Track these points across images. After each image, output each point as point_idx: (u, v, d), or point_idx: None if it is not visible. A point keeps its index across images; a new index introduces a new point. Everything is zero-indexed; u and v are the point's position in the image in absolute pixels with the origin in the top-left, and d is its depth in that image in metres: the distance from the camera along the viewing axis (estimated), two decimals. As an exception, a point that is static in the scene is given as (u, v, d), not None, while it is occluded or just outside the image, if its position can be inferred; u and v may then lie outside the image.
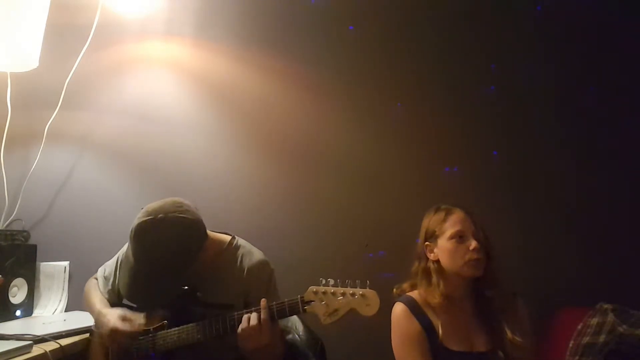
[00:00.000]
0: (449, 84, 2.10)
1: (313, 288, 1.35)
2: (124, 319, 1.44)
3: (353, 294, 1.31)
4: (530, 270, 1.92)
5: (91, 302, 1.59)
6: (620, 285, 1.81)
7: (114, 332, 1.42)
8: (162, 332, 1.46)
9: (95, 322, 1.54)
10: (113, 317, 1.45)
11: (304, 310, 1.35)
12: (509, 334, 1.40)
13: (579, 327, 1.67)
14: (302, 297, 1.35)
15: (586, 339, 1.63)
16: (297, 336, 1.57)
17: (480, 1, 2.13)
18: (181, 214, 1.41)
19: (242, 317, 1.37)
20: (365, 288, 1.32)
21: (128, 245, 1.45)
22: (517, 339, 1.39)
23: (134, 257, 1.41)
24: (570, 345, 1.66)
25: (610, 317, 1.62)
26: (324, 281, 1.35)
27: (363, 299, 1.31)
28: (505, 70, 2.08)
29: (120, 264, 1.59)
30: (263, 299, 1.38)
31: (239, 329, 1.35)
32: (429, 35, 2.13)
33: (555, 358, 1.70)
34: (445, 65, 2.10)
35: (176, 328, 1.44)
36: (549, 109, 2.06)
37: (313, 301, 1.34)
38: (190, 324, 1.43)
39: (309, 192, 2.09)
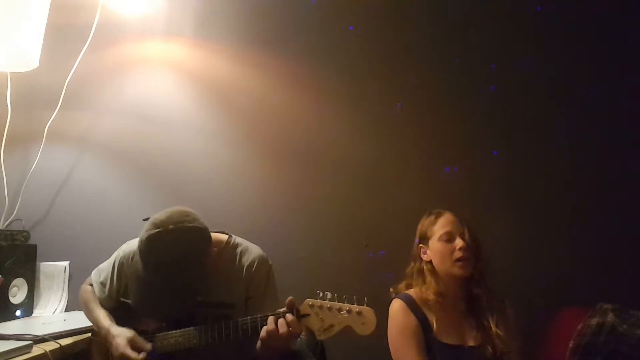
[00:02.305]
0: (449, 84, 2.10)
1: (309, 301, 1.32)
2: (133, 344, 1.41)
3: (349, 311, 1.28)
4: (530, 270, 1.92)
5: (95, 315, 1.56)
6: (620, 285, 1.81)
7: (123, 357, 1.40)
8: (163, 334, 1.45)
9: (103, 338, 1.49)
10: (123, 341, 1.42)
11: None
12: (493, 328, 1.51)
13: (579, 327, 1.67)
14: (298, 310, 1.32)
15: (586, 339, 1.63)
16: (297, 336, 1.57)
17: (481, 1, 2.14)
18: (190, 223, 1.39)
19: (244, 324, 1.36)
20: (363, 305, 1.28)
21: (132, 258, 1.43)
22: (500, 332, 1.50)
23: (144, 269, 1.39)
24: (570, 345, 1.65)
25: (610, 317, 1.62)
26: (320, 294, 1.32)
27: (359, 316, 1.27)
28: (505, 70, 2.08)
29: (117, 270, 1.57)
30: (290, 298, 1.33)
31: (265, 335, 1.32)
32: (429, 35, 2.13)
33: (555, 358, 1.70)
34: (446, 65, 2.11)
35: (179, 330, 1.43)
36: (549, 108, 2.06)
37: (309, 315, 1.31)
38: (193, 327, 1.41)
39: (309, 192, 2.09)
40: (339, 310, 1.29)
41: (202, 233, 1.42)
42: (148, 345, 1.42)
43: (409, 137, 2.09)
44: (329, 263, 2.01)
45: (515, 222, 1.98)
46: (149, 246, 1.37)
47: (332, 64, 2.15)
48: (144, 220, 1.44)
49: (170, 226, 1.36)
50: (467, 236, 1.55)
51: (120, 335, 1.43)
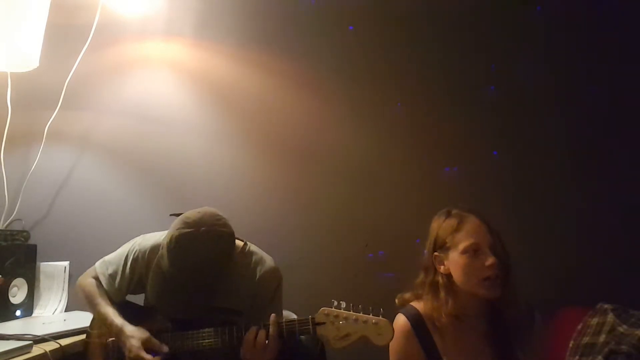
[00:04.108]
0: (449, 84, 2.10)
1: (325, 310, 1.32)
2: (147, 345, 1.39)
3: (366, 322, 1.28)
4: (530, 271, 1.92)
5: (103, 311, 1.52)
6: (620, 285, 1.81)
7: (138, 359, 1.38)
8: (171, 333, 1.44)
9: (114, 335, 1.47)
10: (137, 342, 1.39)
11: (315, 332, 1.33)
12: None
13: (579, 327, 1.67)
14: (313, 318, 1.33)
15: (586, 339, 1.63)
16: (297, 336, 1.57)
17: (480, 1, 2.13)
18: (222, 227, 1.40)
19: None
20: (379, 316, 1.28)
21: (161, 253, 1.43)
22: None
23: (170, 266, 1.38)
24: (570, 345, 1.65)
25: (610, 317, 1.62)
26: (335, 303, 1.32)
27: (376, 327, 1.27)
28: (505, 70, 2.08)
29: (130, 264, 1.55)
30: (273, 315, 1.36)
31: (245, 341, 1.34)
32: (429, 35, 2.13)
33: (555, 358, 1.70)
34: (446, 65, 2.10)
35: (190, 331, 1.42)
36: (549, 109, 2.05)
37: (324, 323, 1.31)
38: (200, 330, 1.41)
39: (309, 192, 2.09)
40: (355, 320, 1.29)
41: (231, 238, 1.43)
42: (164, 347, 1.40)
43: (409, 137, 2.09)
44: (329, 263, 2.01)
45: (515, 222, 1.97)
46: (179, 244, 1.36)
47: (332, 64, 2.15)
48: (172, 215, 1.44)
49: (203, 228, 1.37)
50: (498, 248, 1.30)
51: (134, 336, 1.41)
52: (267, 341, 1.33)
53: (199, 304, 1.43)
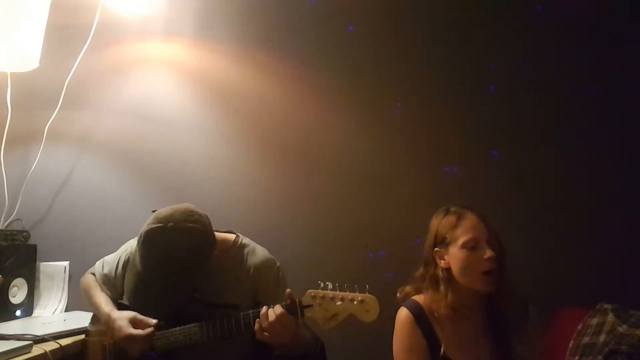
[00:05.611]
0: (449, 84, 2.10)
1: (311, 292, 1.33)
2: (134, 322, 1.42)
3: (352, 299, 1.30)
4: (530, 271, 1.92)
5: (96, 301, 1.56)
6: (620, 285, 1.81)
7: (128, 337, 1.39)
8: (161, 332, 1.43)
9: (104, 324, 1.49)
10: (124, 322, 1.42)
11: (302, 314, 1.33)
12: (517, 352, 1.33)
13: (579, 327, 1.67)
14: (300, 301, 1.33)
15: (586, 339, 1.63)
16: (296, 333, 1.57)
17: (481, 1, 2.13)
18: (191, 223, 1.39)
19: (246, 317, 1.37)
20: (365, 293, 1.30)
21: (136, 249, 1.43)
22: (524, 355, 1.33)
23: (141, 263, 1.40)
24: (570, 345, 1.65)
25: (610, 317, 1.62)
26: (322, 284, 1.33)
27: (362, 304, 1.29)
28: (505, 70, 2.08)
29: (123, 264, 1.58)
30: (288, 290, 1.36)
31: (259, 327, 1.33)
32: (429, 35, 2.13)
33: (555, 358, 1.70)
34: (445, 65, 2.10)
35: (178, 327, 1.42)
36: (549, 109, 2.06)
37: (312, 305, 1.32)
38: (193, 324, 1.41)
39: (309, 192, 2.09)
40: (342, 299, 1.31)
41: (202, 235, 1.41)
42: (153, 321, 1.41)
43: (408, 137, 2.09)
44: (328, 263, 2.01)
45: (515, 222, 1.97)
46: (146, 240, 1.38)
47: (332, 64, 2.15)
48: (153, 212, 1.44)
49: (170, 224, 1.37)
50: (495, 243, 1.36)
51: (121, 317, 1.43)
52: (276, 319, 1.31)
53: (172, 301, 1.42)
